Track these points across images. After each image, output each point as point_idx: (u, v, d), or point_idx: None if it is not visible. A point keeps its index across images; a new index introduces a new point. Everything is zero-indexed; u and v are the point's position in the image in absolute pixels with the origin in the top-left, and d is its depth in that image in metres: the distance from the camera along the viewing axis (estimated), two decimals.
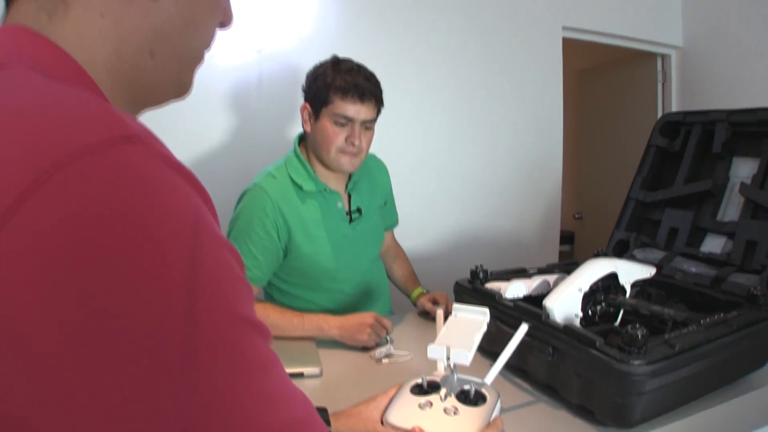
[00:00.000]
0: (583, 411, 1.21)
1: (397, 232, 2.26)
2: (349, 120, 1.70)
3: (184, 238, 0.38)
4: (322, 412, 1.03)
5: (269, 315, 1.68)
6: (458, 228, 3.07)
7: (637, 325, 1.08)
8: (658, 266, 1.64)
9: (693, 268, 1.68)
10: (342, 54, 2.33)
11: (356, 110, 1.69)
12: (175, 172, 0.41)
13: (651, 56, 3.71)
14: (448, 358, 1.05)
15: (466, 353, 1.02)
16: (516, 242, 3.16)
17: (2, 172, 0.36)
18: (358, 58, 2.27)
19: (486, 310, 1.15)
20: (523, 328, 1.22)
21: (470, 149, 3.09)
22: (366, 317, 1.64)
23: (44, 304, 0.33)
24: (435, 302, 1.92)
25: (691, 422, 1.19)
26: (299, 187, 1.76)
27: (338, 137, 1.71)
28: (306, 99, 1.78)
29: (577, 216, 4.33)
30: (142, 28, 0.55)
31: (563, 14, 3.24)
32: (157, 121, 2.15)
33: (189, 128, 2.55)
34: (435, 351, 1.06)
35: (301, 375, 1.44)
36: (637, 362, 1.04)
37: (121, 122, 0.40)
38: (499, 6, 3.10)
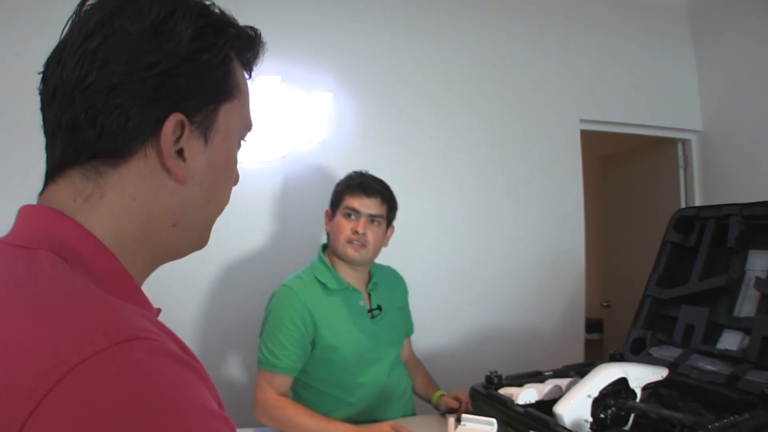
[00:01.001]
0: None
1: (421, 328, 2.30)
2: (356, 212, 1.92)
3: (176, 417, 0.45)
4: None
5: (298, 415, 1.75)
6: (481, 324, 3.09)
7: None
8: (671, 367, 1.65)
9: (709, 365, 1.68)
10: (360, 155, 2.42)
11: (361, 203, 1.92)
12: (172, 361, 0.48)
13: (671, 141, 3.75)
14: None
15: None
16: (540, 336, 3.15)
17: (30, 367, 0.43)
18: (375, 158, 2.37)
19: (493, 421, 1.19)
20: None
21: (491, 245, 3.13)
22: (384, 426, 1.68)
23: None
24: (457, 399, 1.96)
25: None
26: (324, 285, 1.93)
27: (346, 228, 1.92)
28: (329, 206, 2.02)
29: (605, 304, 4.29)
30: (168, 205, 0.64)
31: (580, 107, 3.33)
32: None
33: (221, 236, 2.65)
34: None
35: None
36: None
37: (124, 325, 0.48)
38: (516, 102, 3.22)
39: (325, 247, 2.06)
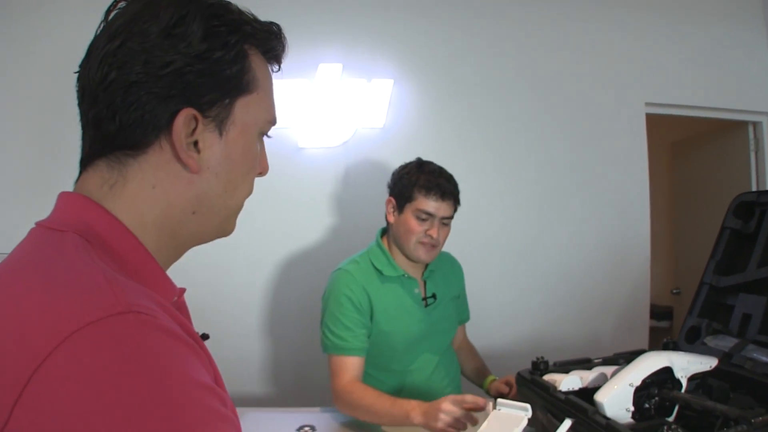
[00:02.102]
0: None
1: (480, 314, 2.32)
2: (430, 215, 1.87)
3: (154, 386, 0.50)
4: None
5: (366, 397, 1.76)
6: (541, 310, 3.08)
7: (673, 426, 1.09)
8: (725, 357, 1.62)
9: (765, 357, 1.63)
10: (421, 141, 2.42)
11: (437, 207, 1.87)
12: (162, 333, 0.54)
13: (742, 124, 3.59)
14: None
15: None
16: (603, 323, 3.10)
17: (37, 333, 0.50)
18: (435, 144, 2.37)
19: (527, 406, 1.20)
20: (567, 423, 1.26)
21: (553, 231, 3.11)
22: (441, 402, 1.59)
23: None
24: (508, 384, 1.96)
25: None
26: (380, 272, 1.94)
27: (419, 230, 1.88)
28: (391, 194, 1.98)
29: (675, 291, 4.18)
30: (186, 194, 0.70)
31: (645, 91, 3.23)
32: (254, 213, 2.35)
33: (285, 220, 2.78)
34: None
35: None
36: None
37: (121, 300, 0.53)
38: (579, 86, 3.16)
39: (383, 232, 2.06)
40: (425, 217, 1.88)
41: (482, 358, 2.27)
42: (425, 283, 2.04)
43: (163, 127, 0.66)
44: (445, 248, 2.15)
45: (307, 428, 1.69)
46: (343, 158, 2.91)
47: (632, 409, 1.35)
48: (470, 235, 2.90)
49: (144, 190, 0.67)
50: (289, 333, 2.86)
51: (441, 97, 3.01)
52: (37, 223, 0.67)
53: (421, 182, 1.89)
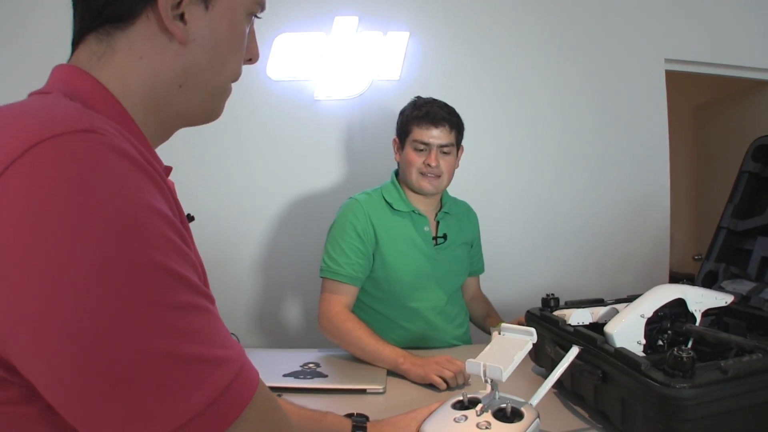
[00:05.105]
0: None
1: (495, 266, 2.28)
2: (426, 145, 1.89)
3: (104, 203, 0.49)
4: (362, 418, 1.13)
5: (358, 329, 1.74)
6: (557, 266, 3.04)
7: (684, 348, 1.05)
8: (743, 300, 1.57)
9: None
10: (437, 93, 2.40)
11: (430, 135, 1.89)
12: (121, 156, 0.53)
13: (767, 84, 3.47)
14: (484, 374, 1.07)
15: (500, 369, 1.04)
16: (620, 280, 3.06)
17: (5, 147, 0.50)
18: (452, 96, 2.33)
19: (532, 330, 1.15)
20: (573, 350, 1.22)
21: (571, 190, 3.06)
22: (439, 359, 1.60)
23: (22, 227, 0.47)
24: (520, 323, 1.92)
25: None
26: (390, 205, 1.95)
27: (417, 161, 1.90)
28: (396, 135, 2.01)
29: (697, 257, 4.10)
30: (173, 66, 0.70)
31: (665, 46, 3.13)
32: (271, 161, 2.34)
33: (299, 167, 2.83)
34: (472, 366, 1.08)
35: (363, 391, 1.49)
36: (680, 386, 1.00)
37: (85, 120, 0.53)
38: (597, 40, 3.09)
39: (398, 173, 2.07)
40: (422, 147, 1.91)
41: (496, 310, 2.24)
42: (438, 223, 2.04)
43: None
44: (465, 198, 2.16)
45: (311, 365, 1.68)
46: (359, 110, 2.89)
47: (644, 342, 1.31)
48: (487, 187, 2.88)
49: (131, 61, 0.68)
50: (297, 281, 2.88)
51: (457, 49, 2.96)
52: (29, 93, 0.68)
53: (414, 114, 1.93)
